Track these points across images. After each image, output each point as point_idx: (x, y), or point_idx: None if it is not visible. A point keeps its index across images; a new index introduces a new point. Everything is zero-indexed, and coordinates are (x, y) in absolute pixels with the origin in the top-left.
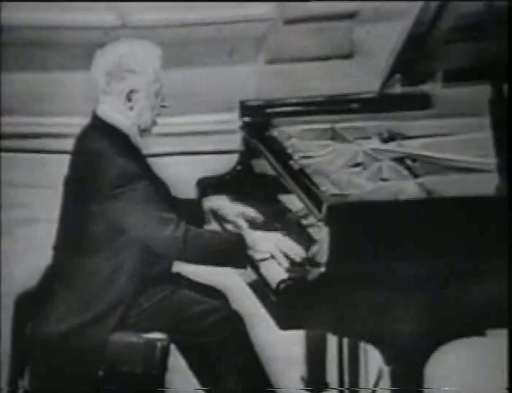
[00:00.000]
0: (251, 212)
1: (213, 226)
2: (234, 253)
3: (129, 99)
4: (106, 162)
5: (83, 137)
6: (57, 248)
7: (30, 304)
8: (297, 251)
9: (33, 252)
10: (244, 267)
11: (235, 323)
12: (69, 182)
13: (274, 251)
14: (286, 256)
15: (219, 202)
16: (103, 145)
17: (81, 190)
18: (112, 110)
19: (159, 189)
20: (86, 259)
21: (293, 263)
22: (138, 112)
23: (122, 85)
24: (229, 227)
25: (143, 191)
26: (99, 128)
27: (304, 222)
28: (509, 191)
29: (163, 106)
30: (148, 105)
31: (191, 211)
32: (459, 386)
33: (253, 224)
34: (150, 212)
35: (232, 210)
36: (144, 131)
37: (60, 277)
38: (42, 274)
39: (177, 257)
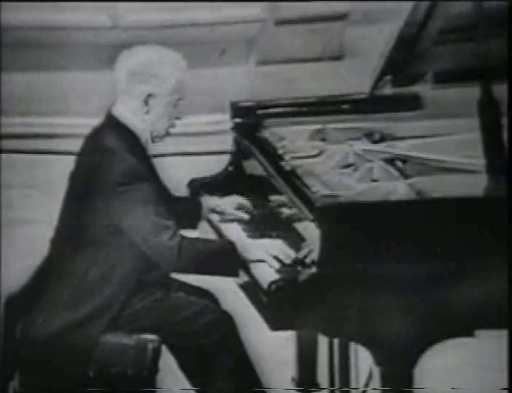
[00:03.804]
0: (245, 202)
1: (209, 226)
2: (226, 262)
3: (146, 103)
4: (114, 158)
5: (94, 135)
6: (54, 241)
7: (20, 304)
8: (288, 253)
9: (31, 253)
10: (235, 275)
11: (226, 325)
12: (73, 177)
13: (265, 258)
14: (277, 259)
15: (214, 200)
16: (113, 141)
17: (85, 184)
18: (128, 111)
19: (162, 195)
20: (82, 254)
21: (284, 265)
22: (153, 118)
23: (142, 88)
24: (226, 227)
25: (146, 193)
26: (111, 126)
27: (290, 216)
28: (509, 192)
29: (177, 118)
30: (164, 113)
31: (188, 209)
32: (450, 386)
33: (250, 214)
34: (149, 215)
35: (229, 203)
36: (155, 138)
37: (55, 271)
38: (35, 270)
39: (169, 266)
